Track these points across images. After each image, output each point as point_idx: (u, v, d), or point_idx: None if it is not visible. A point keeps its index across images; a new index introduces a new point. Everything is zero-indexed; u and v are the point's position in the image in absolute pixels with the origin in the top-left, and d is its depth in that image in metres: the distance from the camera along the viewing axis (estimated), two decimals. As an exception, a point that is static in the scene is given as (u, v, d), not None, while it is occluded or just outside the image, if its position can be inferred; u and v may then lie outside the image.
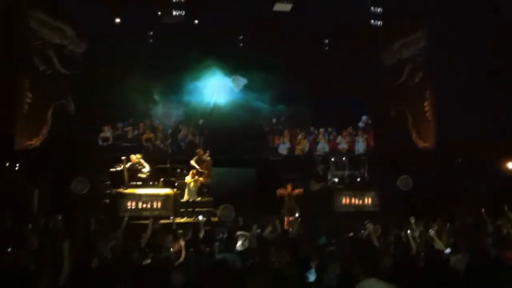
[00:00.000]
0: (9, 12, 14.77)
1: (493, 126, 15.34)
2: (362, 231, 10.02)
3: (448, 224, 10.02)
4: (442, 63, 16.81)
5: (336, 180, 16.04)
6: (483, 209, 10.85)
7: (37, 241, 8.67)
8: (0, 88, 14.39)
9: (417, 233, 9.01)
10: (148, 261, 7.38)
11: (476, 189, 15.31)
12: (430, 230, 9.17)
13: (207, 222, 11.87)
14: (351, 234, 10.00)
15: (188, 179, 14.98)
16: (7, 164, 14.52)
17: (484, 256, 6.48)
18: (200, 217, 11.02)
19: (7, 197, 14.01)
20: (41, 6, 15.87)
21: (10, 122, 14.99)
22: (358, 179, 16.25)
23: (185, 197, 14.88)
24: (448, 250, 7.88)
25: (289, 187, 14.62)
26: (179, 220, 13.34)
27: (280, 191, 14.92)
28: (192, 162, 15.54)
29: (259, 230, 9.87)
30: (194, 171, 15.17)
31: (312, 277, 5.96)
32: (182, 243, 7.96)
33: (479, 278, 5.27)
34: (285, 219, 13.58)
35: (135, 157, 15.36)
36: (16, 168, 14.66)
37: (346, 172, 16.25)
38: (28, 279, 5.82)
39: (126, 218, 10.22)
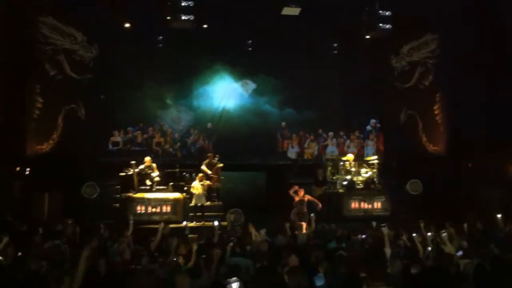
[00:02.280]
0: (20, 18, 14.90)
1: (505, 130, 15.18)
2: (364, 236, 9.99)
3: (453, 229, 9.93)
4: (453, 65, 16.75)
5: (345, 183, 15.95)
6: (499, 216, 10.76)
7: (48, 245, 8.73)
8: (11, 93, 14.52)
9: (428, 237, 8.96)
10: (157, 265, 7.37)
11: (487, 194, 15.18)
12: (441, 233, 9.12)
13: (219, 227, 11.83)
14: (363, 237, 9.96)
15: (195, 184, 14.94)
16: (18, 169, 14.60)
17: (494, 261, 6.41)
18: (216, 223, 10.96)
19: (17, 202, 14.14)
20: (51, 11, 16.02)
21: (21, 127, 15.12)
22: (368, 183, 16.13)
23: (193, 202, 14.87)
24: (460, 253, 7.83)
25: (300, 192, 14.46)
26: (190, 224, 13.32)
27: (293, 195, 14.65)
28: (203, 167, 15.52)
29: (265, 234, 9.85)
30: (201, 175, 15.15)
31: (320, 281, 5.93)
32: (195, 247, 7.87)
33: (487, 283, 5.23)
34: (296, 224, 13.45)
35: (149, 159, 15.37)
36: (27, 173, 14.73)
37: (355, 176, 16.16)
38: (38, 284, 5.85)
39: (131, 222, 10.25)
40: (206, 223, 14.09)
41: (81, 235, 10.52)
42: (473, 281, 5.43)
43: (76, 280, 5.65)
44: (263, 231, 9.76)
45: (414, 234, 8.74)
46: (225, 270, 6.54)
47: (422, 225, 9.79)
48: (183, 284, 5.52)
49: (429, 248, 8.23)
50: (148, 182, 15.07)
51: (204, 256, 7.48)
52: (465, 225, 10.48)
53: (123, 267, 7.38)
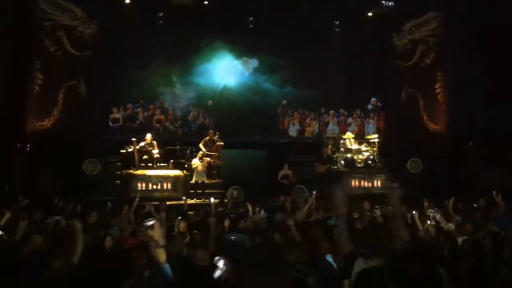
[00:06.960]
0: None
1: (507, 109, 15.14)
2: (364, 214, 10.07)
3: (451, 206, 9.96)
4: (454, 44, 16.65)
5: (344, 162, 15.95)
6: (494, 192, 10.78)
7: (49, 221, 8.78)
8: (11, 69, 14.46)
9: (428, 215, 9.02)
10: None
11: (488, 173, 15.19)
12: (438, 211, 9.17)
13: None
14: (362, 214, 10.02)
15: (195, 161, 14.99)
16: (18, 145, 14.61)
17: (494, 238, 6.45)
18: (212, 199, 11.02)
19: (19, 178, 14.18)
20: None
21: (21, 103, 15.10)
22: (368, 162, 16.14)
23: (194, 179, 14.92)
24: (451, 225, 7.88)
25: (285, 168, 14.53)
26: (189, 201, 13.37)
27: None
28: (200, 145, 15.52)
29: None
30: (203, 152, 15.18)
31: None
32: (183, 224, 7.92)
33: (483, 260, 5.27)
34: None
35: (150, 137, 15.36)
36: (27, 149, 14.75)
37: (356, 155, 16.16)
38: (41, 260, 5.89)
39: (137, 199, 10.33)
40: (206, 200, 14.13)
41: (82, 211, 10.56)
42: (472, 257, 5.47)
43: (76, 254, 5.68)
44: (260, 210, 9.77)
45: (413, 212, 8.76)
46: (221, 246, 6.58)
47: (426, 204, 9.83)
48: (202, 258, 5.48)
49: (428, 224, 8.29)
50: (153, 157, 15.08)
51: (200, 232, 7.51)
52: (466, 203, 10.54)
53: (125, 242, 7.42)
